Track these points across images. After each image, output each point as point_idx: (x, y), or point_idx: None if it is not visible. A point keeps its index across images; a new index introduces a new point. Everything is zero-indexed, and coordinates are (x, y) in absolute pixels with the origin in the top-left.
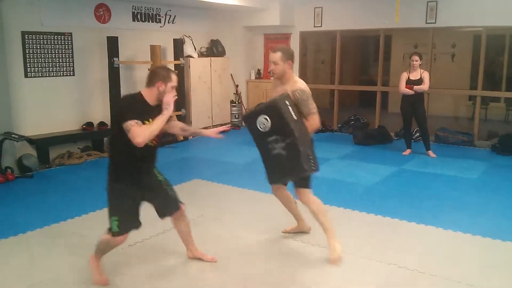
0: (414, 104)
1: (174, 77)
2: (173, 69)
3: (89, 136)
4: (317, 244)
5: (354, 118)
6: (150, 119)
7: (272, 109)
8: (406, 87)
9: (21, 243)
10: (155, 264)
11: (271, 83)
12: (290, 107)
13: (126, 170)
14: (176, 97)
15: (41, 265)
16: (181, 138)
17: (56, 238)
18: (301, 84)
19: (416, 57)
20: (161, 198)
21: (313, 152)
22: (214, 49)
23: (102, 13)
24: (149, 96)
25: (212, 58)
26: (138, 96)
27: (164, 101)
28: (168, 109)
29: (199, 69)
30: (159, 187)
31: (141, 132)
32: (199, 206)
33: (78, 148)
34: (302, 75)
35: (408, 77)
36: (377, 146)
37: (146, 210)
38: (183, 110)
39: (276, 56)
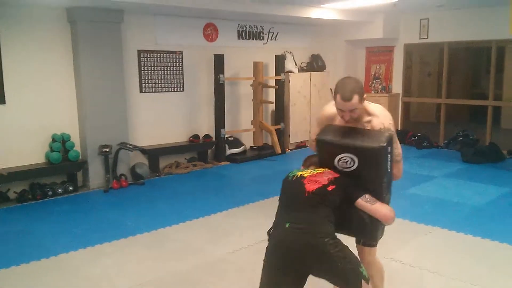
0: None
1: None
2: (273, 84)
3: (195, 147)
4: None
5: (463, 134)
6: None
7: (368, 153)
8: None
9: (131, 245)
10: None
11: (372, 97)
12: (389, 156)
13: None
14: None
15: (146, 266)
16: (279, 151)
17: (161, 242)
18: (384, 120)
19: None
20: None
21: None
22: (315, 64)
23: (210, 32)
24: None
25: (312, 72)
26: None
27: None
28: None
29: (299, 83)
30: None
31: None
32: None
33: (185, 158)
34: (406, 88)
35: None
36: (487, 164)
37: None
38: (282, 124)
39: (353, 102)
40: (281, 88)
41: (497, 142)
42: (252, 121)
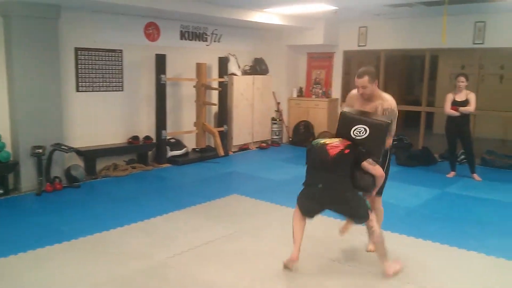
0: (459, 126)
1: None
2: (217, 86)
3: (135, 149)
4: (364, 265)
5: (397, 138)
6: None
7: (378, 127)
8: (451, 108)
9: (66, 251)
10: None
11: (313, 102)
12: (387, 132)
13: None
14: None
15: (84, 272)
16: (222, 153)
17: (98, 247)
18: (391, 103)
19: (462, 78)
20: None
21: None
22: (258, 67)
23: (152, 32)
24: None
25: (255, 76)
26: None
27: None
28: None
29: (242, 86)
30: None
31: None
32: (234, 221)
33: (124, 160)
34: (345, 94)
35: (454, 98)
36: (420, 167)
37: None
38: (225, 127)
39: (364, 80)
40: (224, 90)
41: (430, 146)
42: (194, 122)
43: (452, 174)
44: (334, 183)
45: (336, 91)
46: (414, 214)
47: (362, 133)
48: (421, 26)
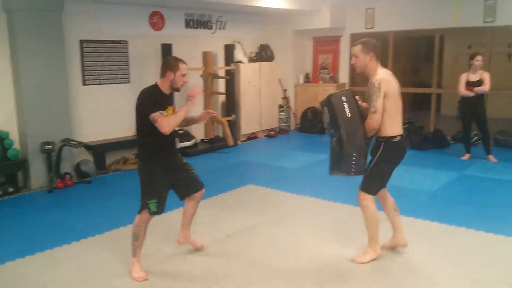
0: (474, 107)
1: (182, 66)
2: (223, 74)
3: None
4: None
5: (408, 121)
6: (168, 107)
7: (328, 102)
8: (466, 89)
9: (84, 249)
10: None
11: (320, 87)
12: (346, 103)
13: (155, 153)
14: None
15: (104, 271)
16: (232, 143)
17: (118, 243)
18: (377, 77)
19: (480, 57)
20: (186, 178)
21: (363, 155)
22: (263, 54)
23: (157, 21)
24: (163, 86)
25: (261, 63)
26: (156, 88)
27: (188, 93)
28: (192, 101)
29: (249, 74)
30: (184, 168)
31: (167, 123)
32: (255, 212)
33: (133, 154)
34: (353, 78)
35: (468, 79)
36: (434, 150)
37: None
38: (233, 116)
39: (356, 48)
40: (231, 79)
41: (440, 128)
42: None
43: (467, 156)
44: None
45: (343, 76)
46: (436, 198)
47: (326, 115)
48: (429, 5)
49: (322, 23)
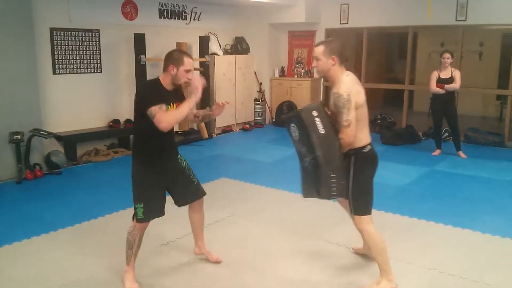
0: (445, 104)
1: (187, 61)
2: (198, 66)
3: (116, 133)
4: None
5: (381, 117)
6: (171, 104)
7: (297, 118)
8: (437, 86)
9: (53, 241)
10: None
11: (295, 81)
12: (317, 119)
13: (149, 153)
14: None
15: (74, 264)
16: (206, 136)
17: (87, 236)
18: (342, 86)
19: (448, 55)
20: (183, 184)
21: (342, 175)
22: (239, 47)
23: (129, 10)
24: (165, 81)
25: (236, 55)
26: (157, 82)
27: (192, 85)
28: (196, 94)
29: (224, 66)
30: (182, 172)
31: (166, 118)
32: (228, 205)
33: (105, 145)
34: None
35: (439, 76)
36: (405, 146)
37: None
38: (208, 108)
39: (318, 50)
40: (206, 71)
41: (411, 124)
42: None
43: (437, 152)
44: None
45: None
46: (406, 192)
47: (295, 133)
48: (403, 2)
49: (297, 17)
